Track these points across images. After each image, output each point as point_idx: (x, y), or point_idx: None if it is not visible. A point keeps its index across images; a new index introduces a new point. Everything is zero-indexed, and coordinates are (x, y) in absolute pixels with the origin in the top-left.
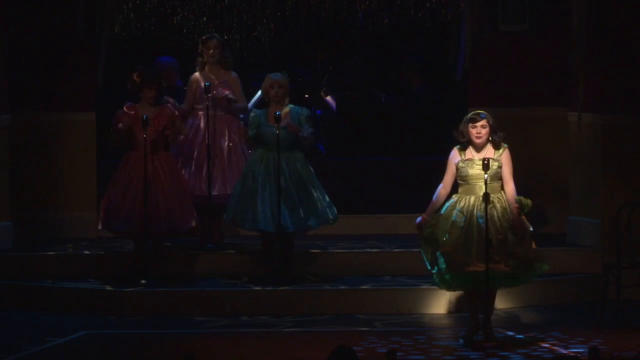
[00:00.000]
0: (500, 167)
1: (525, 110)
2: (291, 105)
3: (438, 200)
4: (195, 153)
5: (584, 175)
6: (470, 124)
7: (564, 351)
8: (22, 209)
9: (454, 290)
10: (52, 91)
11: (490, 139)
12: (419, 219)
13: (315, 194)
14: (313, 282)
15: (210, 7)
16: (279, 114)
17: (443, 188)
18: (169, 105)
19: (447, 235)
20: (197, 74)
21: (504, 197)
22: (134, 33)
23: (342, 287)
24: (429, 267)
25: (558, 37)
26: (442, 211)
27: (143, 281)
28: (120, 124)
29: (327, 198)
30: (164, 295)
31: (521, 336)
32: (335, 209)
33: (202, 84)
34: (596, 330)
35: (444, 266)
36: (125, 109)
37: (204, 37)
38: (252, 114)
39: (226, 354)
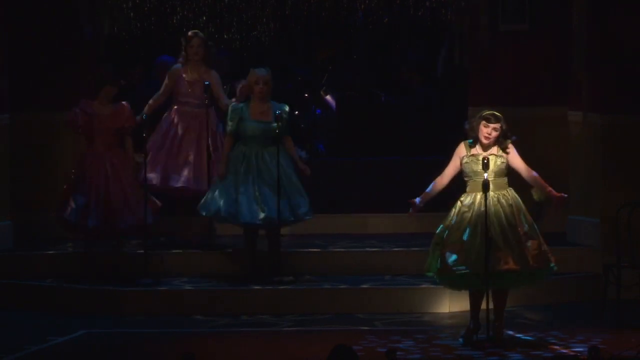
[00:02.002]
0: (504, 162)
1: (525, 110)
2: (272, 102)
3: (433, 188)
4: (167, 145)
5: (584, 175)
6: (484, 122)
7: (564, 350)
8: (22, 208)
9: (458, 289)
10: (52, 91)
11: (496, 142)
12: (417, 199)
13: (299, 183)
14: (313, 282)
15: (210, 7)
16: (279, 113)
17: (440, 177)
18: (125, 104)
19: (446, 232)
20: (179, 66)
21: (511, 194)
22: (134, 32)
23: (342, 287)
24: (429, 270)
25: (558, 37)
26: (452, 214)
27: (147, 281)
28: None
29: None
30: (164, 295)
31: (521, 335)
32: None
33: (183, 77)
34: (596, 329)
35: (452, 262)
36: (79, 109)
37: (189, 34)
38: (232, 107)
39: (226, 353)
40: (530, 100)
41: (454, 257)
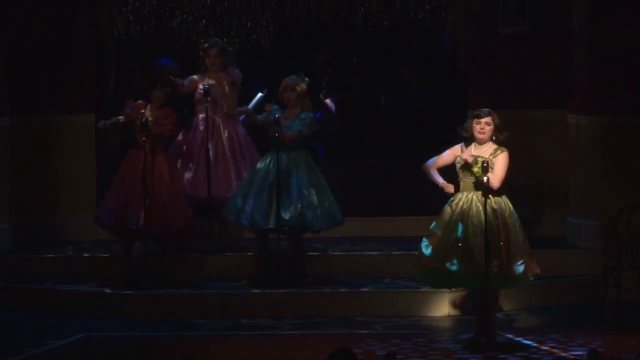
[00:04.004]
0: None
1: (525, 112)
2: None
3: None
4: (196, 155)
5: (584, 177)
6: (475, 120)
7: (564, 354)
8: (21, 211)
9: (433, 284)
10: (52, 93)
11: (494, 138)
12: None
13: (308, 194)
14: (313, 284)
15: (210, 10)
16: (278, 117)
17: (433, 162)
18: (167, 110)
19: (434, 223)
20: (197, 77)
21: (496, 198)
22: (134, 35)
23: (342, 290)
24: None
25: (558, 38)
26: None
27: (146, 283)
28: (121, 117)
29: (326, 204)
30: (164, 298)
31: (520, 339)
32: (336, 216)
33: (201, 85)
34: (596, 332)
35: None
36: (134, 104)
37: (205, 45)
38: (274, 107)
39: (226, 356)
40: (530, 101)
41: (429, 250)
